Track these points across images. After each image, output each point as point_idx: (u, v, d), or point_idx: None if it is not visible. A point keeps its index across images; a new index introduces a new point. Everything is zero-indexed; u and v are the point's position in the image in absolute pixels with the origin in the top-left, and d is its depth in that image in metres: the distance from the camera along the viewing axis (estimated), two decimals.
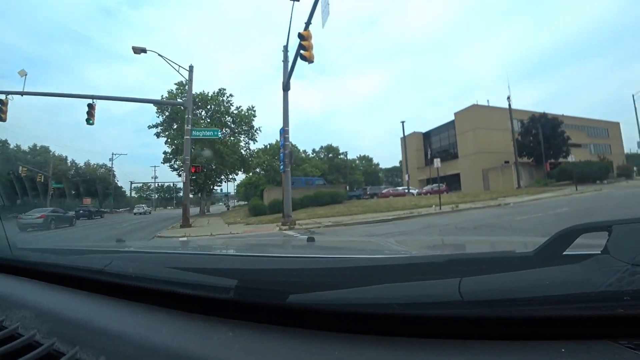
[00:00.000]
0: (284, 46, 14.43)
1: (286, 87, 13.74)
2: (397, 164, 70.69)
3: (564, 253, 0.56)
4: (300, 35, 10.58)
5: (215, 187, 43.18)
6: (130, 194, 69.29)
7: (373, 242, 2.30)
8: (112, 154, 56.70)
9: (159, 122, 33.26)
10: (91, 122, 16.73)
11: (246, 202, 44.77)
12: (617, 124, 53.39)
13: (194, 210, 44.00)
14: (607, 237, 0.51)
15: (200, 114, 34.05)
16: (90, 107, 16.61)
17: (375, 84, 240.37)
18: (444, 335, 0.54)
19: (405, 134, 46.93)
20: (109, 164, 58.10)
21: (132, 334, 0.66)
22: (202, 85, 60.91)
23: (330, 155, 63.68)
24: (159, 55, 17.34)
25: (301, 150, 54.24)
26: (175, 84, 31.41)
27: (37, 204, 26.97)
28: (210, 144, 31.01)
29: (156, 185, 72.24)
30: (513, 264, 0.60)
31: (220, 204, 67.22)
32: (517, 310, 0.51)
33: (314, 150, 64.46)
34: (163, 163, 36.10)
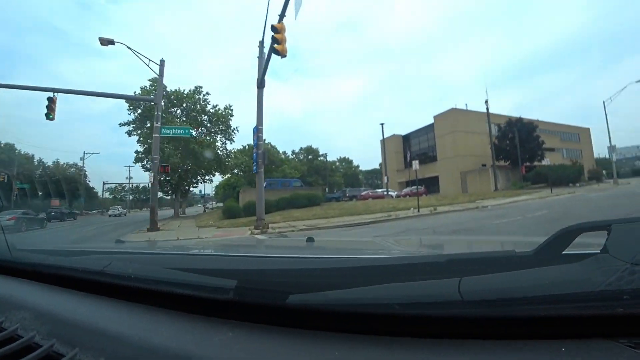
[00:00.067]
0: (259, 42, 13.77)
1: (260, 84, 13.08)
2: (377, 166, 70.74)
3: (564, 252, 0.56)
4: (273, 28, 9.97)
5: (192, 189, 42.02)
6: (103, 194, 66.53)
7: (373, 242, 2.29)
8: (84, 152, 54.41)
9: (131, 119, 31.94)
10: (51, 117, 15.55)
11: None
12: (587, 130, 55.25)
13: (169, 212, 43.00)
14: (607, 237, 0.51)
15: (176, 112, 32.95)
16: (51, 100, 15.45)
17: (357, 87, 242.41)
18: (444, 335, 0.54)
19: (385, 137, 46.91)
20: (80, 164, 55.72)
21: (131, 335, 0.66)
22: (183, 84, 59.27)
23: (310, 156, 63.15)
24: (127, 47, 16.40)
25: (281, 152, 53.41)
26: (149, 80, 30.04)
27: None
28: (185, 144, 29.97)
29: (130, 186, 69.76)
30: (513, 264, 0.60)
31: (199, 205, 65.44)
32: (517, 310, 0.51)
33: (293, 152, 63.80)
34: (135, 163, 34.76)
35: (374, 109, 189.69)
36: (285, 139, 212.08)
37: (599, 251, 0.50)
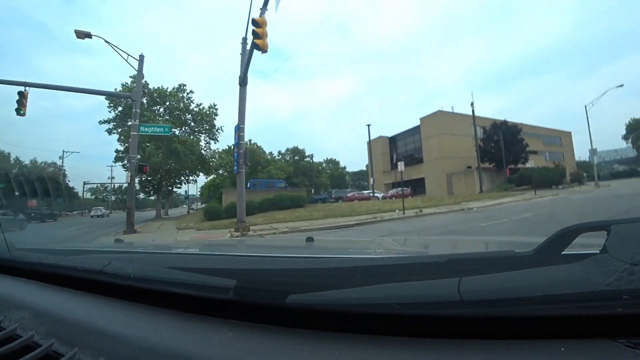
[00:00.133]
0: (242, 38, 13.35)
1: (243, 82, 12.64)
2: (364, 168, 70.60)
3: (563, 252, 0.57)
4: (254, 22, 9.53)
5: (175, 189, 41.03)
6: (84, 195, 64.49)
7: (372, 242, 2.30)
8: (63, 151, 52.56)
9: (111, 117, 30.88)
10: (22, 112, 14.76)
11: None
12: (569, 133, 56.45)
13: (151, 213, 41.78)
14: (606, 237, 0.52)
15: (158, 110, 32.07)
16: (22, 95, 14.70)
17: (345, 89, 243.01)
18: (444, 335, 0.54)
19: (372, 138, 46.81)
20: (59, 162, 53.87)
21: (131, 335, 0.66)
22: (170, 83, 57.98)
23: (296, 157, 62.54)
24: (105, 41, 15.76)
25: (267, 152, 52.73)
26: (131, 77, 29.24)
27: None
28: (167, 143, 29.17)
29: (113, 186, 67.90)
30: (512, 264, 0.60)
31: (184, 206, 64.13)
32: (516, 310, 0.51)
33: (279, 153, 63.10)
34: (115, 162, 33.71)
35: (361, 110, 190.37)
36: (272, 140, 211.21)
37: (598, 251, 0.50)
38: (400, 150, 48.82)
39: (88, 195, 67.80)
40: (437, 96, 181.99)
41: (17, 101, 14.64)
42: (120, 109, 29.93)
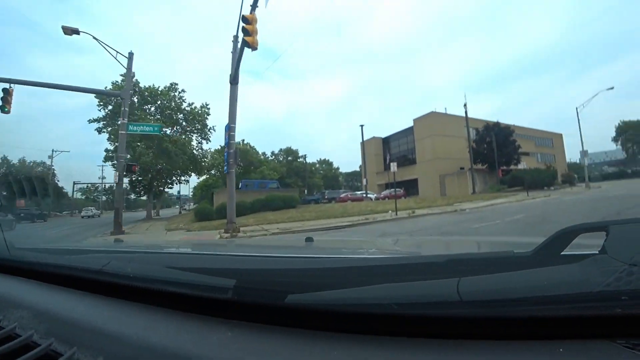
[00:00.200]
0: (233, 36, 13.14)
1: (234, 80, 12.42)
2: (357, 169, 70.56)
3: (562, 253, 0.57)
4: (244, 19, 9.34)
5: (167, 189, 40.47)
6: (74, 195, 63.45)
7: (372, 242, 2.30)
8: (52, 150, 51.58)
9: (101, 116, 30.35)
10: (6, 110, 14.37)
11: None
12: (560, 135, 57.03)
13: (142, 214, 41.12)
14: (605, 238, 0.52)
15: (149, 109, 31.59)
16: (6, 92, 14.32)
17: (339, 89, 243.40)
18: (443, 335, 0.54)
19: (365, 139, 46.76)
20: (48, 162, 52.87)
21: (130, 334, 0.66)
22: (164, 82, 57.19)
23: (289, 158, 62.25)
24: (94, 38, 15.42)
25: (260, 153, 52.38)
26: (122, 75, 28.75)
27: None
28: (158, 142, 28.74)
29: (104, 186, 66.90)
30: (511, 264, 0.60)
31: (176, 207, 63.41)
32: (515, 310, 0.51)
33: (273, 153, 62.75)
34: (104, 162, 33.17)
35: (355, 111, 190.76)
36: (265, 141, 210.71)
37: (597, 252, 0.50)
38: (394, 151, 48.85)
39: (78, 195, 66.85)
40: (432, 97, 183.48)
41: (2, 98, 14.24)
42: (110, 107, 29.42)
